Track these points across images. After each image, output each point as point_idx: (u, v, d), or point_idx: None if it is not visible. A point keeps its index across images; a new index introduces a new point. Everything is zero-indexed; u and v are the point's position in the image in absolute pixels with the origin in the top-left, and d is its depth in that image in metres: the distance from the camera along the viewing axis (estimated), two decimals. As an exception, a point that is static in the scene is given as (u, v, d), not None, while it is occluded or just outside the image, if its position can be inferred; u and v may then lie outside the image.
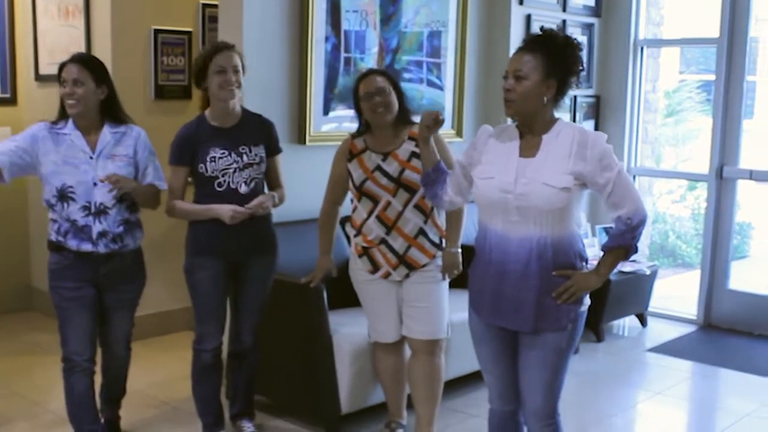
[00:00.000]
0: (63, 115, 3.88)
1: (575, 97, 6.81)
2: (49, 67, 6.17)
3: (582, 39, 6.83)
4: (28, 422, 4.59)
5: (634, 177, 7.10)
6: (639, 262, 6.52)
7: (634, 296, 6.44)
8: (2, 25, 6.49)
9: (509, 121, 3.27)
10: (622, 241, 3.14)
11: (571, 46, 3.16)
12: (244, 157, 4.04)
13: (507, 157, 3.18)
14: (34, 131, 3.85)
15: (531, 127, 3.17)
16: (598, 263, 3.21)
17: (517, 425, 3.43)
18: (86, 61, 3.92)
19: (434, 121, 3.46)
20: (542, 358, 3.20)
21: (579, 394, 5.18)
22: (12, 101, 6.57)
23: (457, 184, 3.44)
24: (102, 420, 4.19)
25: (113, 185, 3.73)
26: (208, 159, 4.00)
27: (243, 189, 4.04)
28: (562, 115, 6.50)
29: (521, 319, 3.17)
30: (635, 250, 3.20)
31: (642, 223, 3.13)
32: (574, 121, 6.80)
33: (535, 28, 6.26)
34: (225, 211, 3.98)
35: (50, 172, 3.80)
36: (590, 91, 7.00)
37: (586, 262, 3.24)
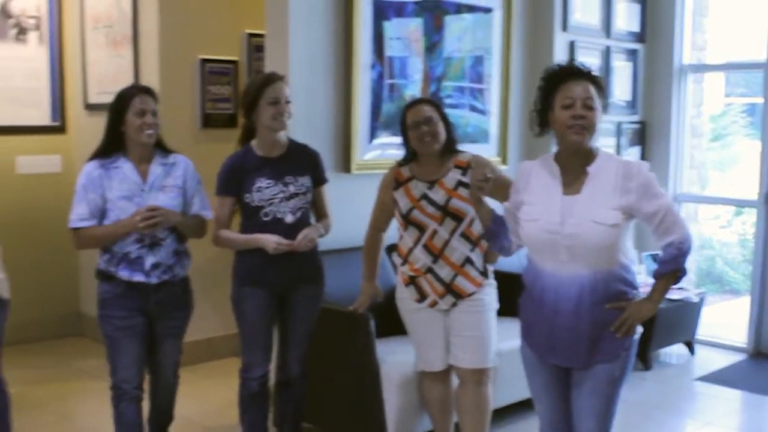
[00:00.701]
0: (111, 146, 3.90)
1: (620, 123, 6.79)
2: (97, 96, 6.28)
3: (626, 65, 6.83)
4: (77, 448, 4.66)
5: (680, 203, 7.05)
6: (686, 290, 6.46)
7: (682, 324, 6.38)
8: (53, 55, 6.63)
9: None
10: (675, 266, 3.14)
11: (603, 80, 3.23)
12: (291, 187, 4.07)
13: (549, 195, 3.18)
14: (92, 174, 3.85)
15: (578, 160, 3.16)
16: (651, 290, 3.20)
17: (567, 454, 3.41)
18: (154, 93, 3.97)
19: (485, 180, 3.41)
20: (595, 388, 3.19)
21: (627, 423, 5.11)
22: (62, 129, 6.70)
23: (514, 230, 3.42)
24: (151, 447, 4.23)
25: (149, 214, 3.73)
26: (254, 189, 4.04)
27: (289, 219, 4.07)
28: (608, 141, 6.56)
29: (575, 356, 3.17)
30: (685, 274, 3.19)
31: (691, 246, 3.15)
32: (619, 147, 6.78)
33: (579, 55, 6.28)
34: (269, 241, 4.01)
35: (107, 206, 3.86)
36: (635, 117, 6.98)
37: (637, 290, 3.23)
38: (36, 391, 5.46)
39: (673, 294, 6.23)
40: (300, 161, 4.15)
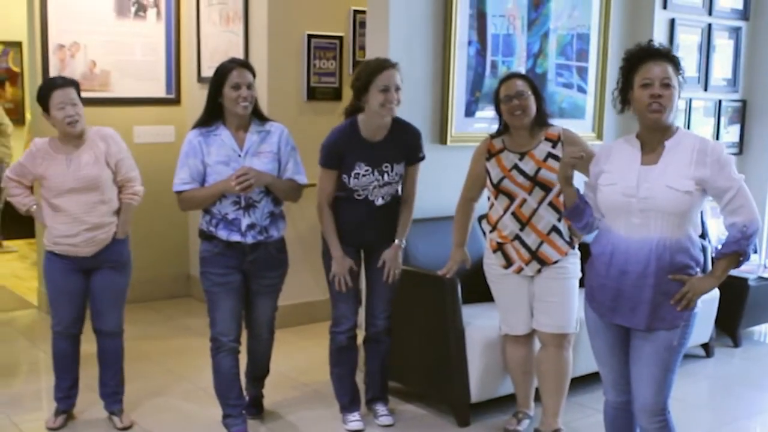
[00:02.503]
0: (211, 116, 4.15)
1: (720, 101, 6.76)
2: (209, 70, 6.45)
3: (728, 43, 6.78)
4: (181, 397, 4.98)
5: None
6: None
7: (775, 302, 6.33)
8: (170, 31, 6.96)
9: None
10: (738, 248, 3.23)
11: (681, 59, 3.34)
12: (385, 176, 4.29)
13: (629, 164, 3.31)
14: (192, 141, 4.14)
15: (658, 135, 3.29)
16: (713, 268, 3.31)
17: (630, 416, 3.53)
18: (250, 66, 4.22)
19: (577, 158, 3.51)
20: (653, 354, 3.30)
21: (709, 397, 5.20)
22: (176, 101, 7.05)
23: (594, 204, 3.53)
24: (247, 397, 4.50)
25: (242, 178, 3.97)
26: (352, 174, 4.26)
27: (379, 201, 4.33)
28: (706, 120, 6.54)
29: (637, 317, 3.29)
30: (748, 257, 3.27)
31: (756, 232, 3.23)
32: (719, 125, 6.75)
33: (679, 33, 6.28)
34: (339, 266, 4.32)
35: (207, 171, 4.13)
36: (736, 96, 6.93)
37: (702, 269, 3.33)
38: (144, 345, 5.82)
39: (767, 272, 6.20)
40: (399, 146, 4.32)
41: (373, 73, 4.17)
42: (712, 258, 3.37)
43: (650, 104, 3.22)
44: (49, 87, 4.22)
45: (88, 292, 4.38)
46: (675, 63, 3.29)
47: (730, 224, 3.25)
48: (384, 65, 4.20)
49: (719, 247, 3.32)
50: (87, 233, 4.21)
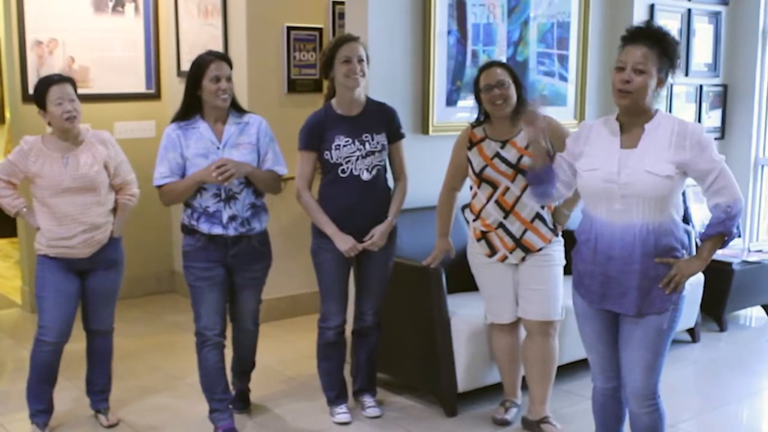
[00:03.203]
0: (189, 109, 4.13)
1: (701, 86, 6.77)
2: (189, 64, 6.50)
3: (708, 27, 6.79)
4: (168, 393, 4.96)
5: (762, 167, 7.01)
6: (764, 252, 6.41)
7: (759, 286, 6.33)
8: (148, 25, 6.91)
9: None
10: (722, 228, 3.23)
11: (677, 43, 3.30)
12: (367, 145, 4.26)
13: (609, 149, 3.30)
14: (170, 135, 4.12)
15: (635, 119, 3.27)
16: (699, 250, 3.30)
17: (619, 403, 3.53)
18: (228, 59, 4.20)
19: (534, 112, 3.55)
20: (643, 338, 3.30)
21: (697, 381, 5.21)
22: (156, 96, 7.00)
23: (564, 179, 3.55)
24: (233, 392, 4.49)
25: (221, 169, 3.95)
26: (333, 147, 4.24)
27: (365, 176, 4.27)
28: (688, 106, 6.55)
29: (626, 302, 3.29)
30: (733, 237, 3.27)
31: (740, 212, 3.23)
32: (701, 110, 6.77)
33: (659, 18, 6.28)
34: (343, 243, 4.26)
35: (186, 165, 4.10)
36: (717, 80, 6.94)
37: (687, 250, 3.32)
38: (129, 342, 5.78)
39: (751, 256, 6.22)
40: (376, 119, 4.34)
41: (335, 46, 4.26)
42: (697, 242, 3.36)
43: (619, 89, 3.22)
44: (46, 83, 4.15)
45: (81, 294, 4.31)
46: (663, 46, 3.23)
47: (714, 205, 3.24)
48: (345, 38, 4.30)
49: (703, 230, 3.32)
50: (84, 234, 4.14)
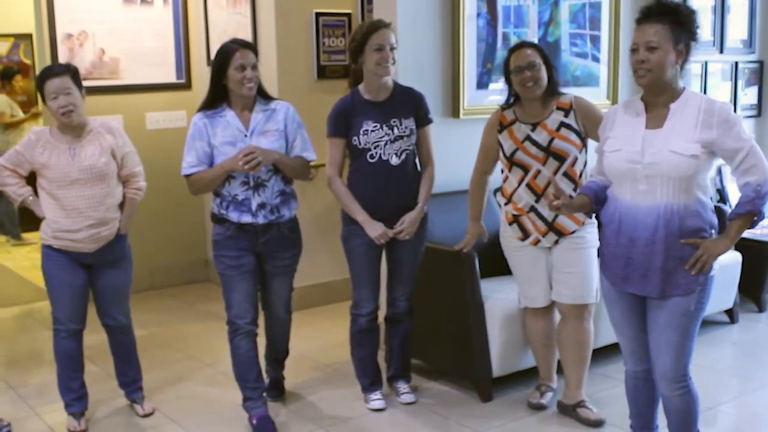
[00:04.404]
0: (216, 98, 4.11)
1: (736, 63, 6.66)
2: (218, 53, 6.54)
3: (743, 3, 6.68)
4: (202, 381, 4.98)
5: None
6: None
7: (800, 266, 6.24)
8: (177, 16, 6.94)
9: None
10: (752, 207, 3.17)
11: (693, 12, 3.23)
12: (395, 130, 4.22)
13: (633, 130, 3.26)
14: (197, 124, 4.11)
15: (660, 98, 3.22)
16: (727, 229, 3.23)
17: (651, 385, 3.49)
18: (253, 47, 4.18)
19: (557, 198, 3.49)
20: (670, 320, 3.26)
21: (736, 363, 5.13)
22: (187, 86, 7.02)
23: (603, 171, 3.50)
24: (267, 379, 4.49)
25: (249, 156, 3.93)
26: (361, 132, 4.21)
27: (394, 161, 4.24)
28: (723, 83, 6.45)
29: (649, 284, 3.25)
30: (763, 217, 3.21)
31: None
32: (736, 87, 6.66)
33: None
34: (373, 230, 4.22)
35: (214, 153, 4.09)
36: (752, 57, 6.84)
37: (716, 230, 3.26)
38: (165, 332, 5.83)
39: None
40: (404, 104, 4.29)
41: (367, 33, 4.18)
42: (731, 218, 3.28)
43: (636, 70, 3.19)
44: (43, 76, 4.12)
45: (90, 286, 4.30)
46: (676, 18, 3.17)
47: (744, 184, 3.18)
48: (377, 25, 4.21)
49: (731, 211, 3.26)
50: (91, 229, 4.12)
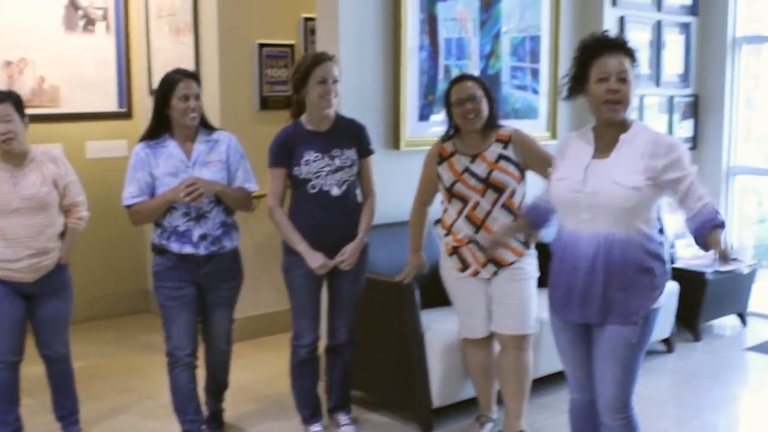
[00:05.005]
0: (158, 128, 4.11)
1: (672, 97, 6.80)
2: (160, 82, 6.51)
3: (678, 38, 6.83)
4: (141, 413, 4.92)
5: (734, 176, 7.05)
6: (738, 261, 6.41)
7: (733, 295, 6.38)
8: (120, 44, 6.88)
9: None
10: (718, 222, 3.11)
11: (637, 50, 3.30)
12: (336, 161, 4.24)
13: (580, 159, 3.29)
14: (139, 154, 4.09)
15: (613, 129, 3.26)
16: (711, 241, 3.12)
17: (595, 414, 3.49)
18: (197, 77, 4.19)
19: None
20: (612, 351, 3.28)
21: (673, 392, 5.21)
22: (128, 115, 6.96)
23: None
24: (207, 412, 4.46)
25: (191, 188, 3.92)
26: (302, 162, 4.21)
27: (335, 191, 4.25)
28: (659, 116, 6.57)
29: (588, 311, 3.27)
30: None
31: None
32: (672, 120, 6.80)
33: (629, 30, 6.30)
34: (314, 260, 4.21)
35: (155, 184, 4.07)
36: (688, 91, 6.97)
37: (663, 262, 3.29)
38: (103, 364, 5.74)
39: (724, 266, 6.24)
40: (346, 134, 4.31)
41: (311, 66, 4.17)
42: (698, 238, 3.17)
43: (607, 100, 3.19)
44: None
45: (28, 317, 4.22)
46: (631, 55, 3.24)
47: (702, 206, 3.12)
48: (321, 58, 4.22)
49: (696, 230, 3.16)
50: (31, 259, 4.06)
